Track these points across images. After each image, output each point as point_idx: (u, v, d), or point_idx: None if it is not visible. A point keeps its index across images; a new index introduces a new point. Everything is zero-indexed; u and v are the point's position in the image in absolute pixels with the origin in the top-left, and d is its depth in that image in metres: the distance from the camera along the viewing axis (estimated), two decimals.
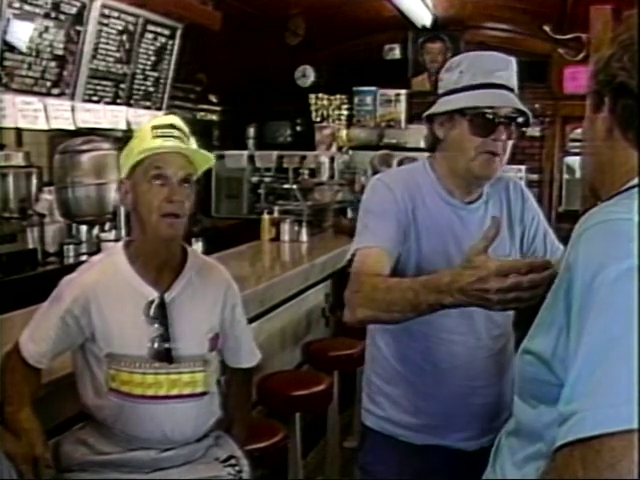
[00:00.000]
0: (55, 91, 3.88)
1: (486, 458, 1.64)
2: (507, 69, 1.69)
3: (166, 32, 4.66)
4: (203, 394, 1.84)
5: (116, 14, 4.17)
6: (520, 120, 1.66)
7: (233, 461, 1.91)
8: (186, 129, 1.80)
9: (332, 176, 6.13)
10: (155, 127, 1.75)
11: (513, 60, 1.73)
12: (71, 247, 3.68)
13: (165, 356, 1.77)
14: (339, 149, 6.64)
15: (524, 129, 1.68)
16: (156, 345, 1.76)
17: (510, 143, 1.67)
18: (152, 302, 1.78)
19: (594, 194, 1.09)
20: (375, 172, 5.31)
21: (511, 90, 1.68)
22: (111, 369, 1.76)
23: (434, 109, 1.72)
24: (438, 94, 1.74)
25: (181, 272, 1.84)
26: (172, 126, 1.76)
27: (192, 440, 1.84)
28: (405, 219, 1.69)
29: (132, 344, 1.76)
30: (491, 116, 1.62)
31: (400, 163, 5.80)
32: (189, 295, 1.83)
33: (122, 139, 3.78)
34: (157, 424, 1.78)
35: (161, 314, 1.78)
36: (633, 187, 0.95)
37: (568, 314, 0.88)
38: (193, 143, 1.81)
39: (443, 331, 1.72)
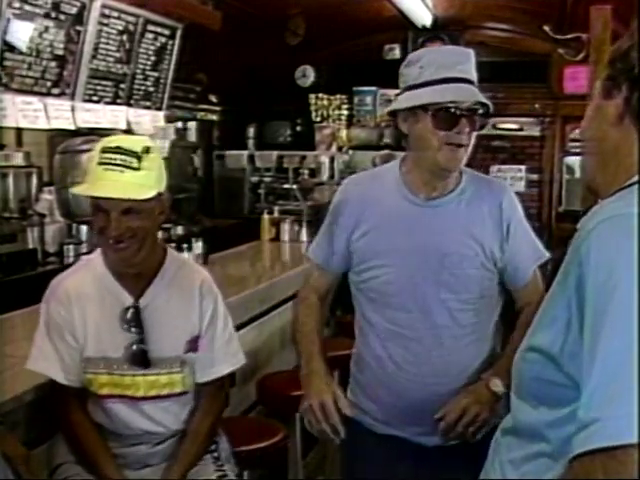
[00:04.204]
0: (55, 91, 3.88)
1: (449, 457, 1.70)
2: (467, 62, 1.72)
3: (166, 32, 4.66)
4: (182, 393, 1.87)
5: (116, 14, 4.17)
6: (481, 111, 1.70)
7: (213, 446, 1.94)
8: (138, 148, 1.71)
9: (332, 176, 6.13)
10: (104, 149, 1.70)
11: (471, 52, 1.75)
12: (71, 247, 3.68)
13: (140, 360, 1.79)
14: (339, 149, 6.64)
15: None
16: (132, 349, 1.78)
17: (474, 134, 1.70)
18: (128, 308, 1.79)
19: (592, 191, 1.08)
20: None
21: (472, 82, 1.70)
22: (88, 373, 1.78)
23: (397, 105, 1.76)
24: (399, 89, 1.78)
25: (156, 277, 1.84)
26: (119, 149, 1.69)
27: (178, 432, 1.88)
28: (348, 235, 1.81)
29: (109, 347, 1.78)
30: (453, 110, 1.65)
31: None
32: (165, 299, 1.83)
33: None
34: (140, 421, 1.82)
35: (136, 320, 1.79)
36: (634, 184, 0.95)
37: (581, 309, 0.87)
38: (149, 159, 1.72)
39: (399, 325, 1.75)
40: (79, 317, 1.78)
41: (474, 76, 1.72)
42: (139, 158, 1.70)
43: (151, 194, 1.71)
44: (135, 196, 1.68)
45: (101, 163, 1.69)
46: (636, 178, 0.96)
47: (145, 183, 1.71)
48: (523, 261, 1.78)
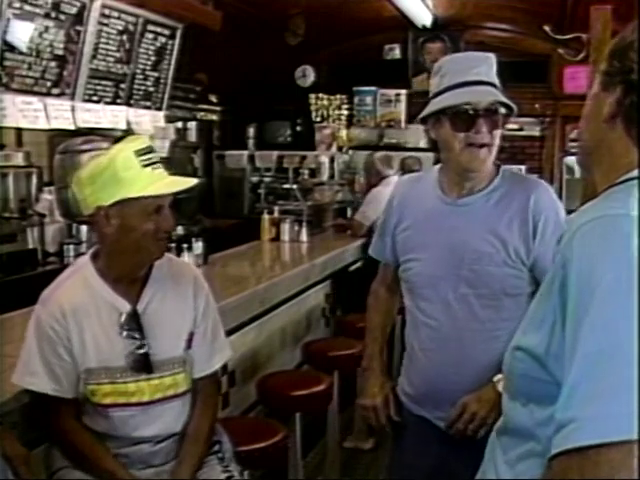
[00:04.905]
0: (55, 91, 3.88)
1: (460, 443, 1.78)
2: (483, 65, 1.79)
3: (166, 32, 4.66)
4: (185, 392, 1.86)
5: (116, 14, 4.17)
6: (503, 111, 1.77)
7: (217, 447, 1.95)
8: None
9: (332, 176, 6.13)
10: (138, 153, 1.71)
11: (491, 56, 1.83)
12: (71, 247, 3.68)
13: (144, 366, 1.78)
14: (339, 149, 6.64)
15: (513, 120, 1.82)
16: (135, 356, 1.77)
17: (498, 132, 1.77)
18: (127, 315, 1.78)
19: (585, 168, 1.07)
20: (377, 174, 5.25)
21: (490, 84, 1.77)
22: (89, 384, 1.76)
23: (422, 113, 1.85)
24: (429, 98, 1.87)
25: (149, 279, 1.84)
26: (150, 149, 1.75)
27: (181, 433, 1.87)
28: (393, 229, 1.98)
29: (110, 356, 1.76)
30: (471, 111, 1.73)
31: (402, 163, 5.80)
32: (161, 300, 1.83)
33: (122, 139, 3.77)
34: (146, 426, 1.80)
35: (136, 325, 1.78)
36: (629, 180, 0.94)
37: (563, 311, 0.87)
38: None
39: (425, 315, 1.88)
40: (76, 332, 1.74)
41: (492, 78, 1.79)
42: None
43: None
44: (191, 184, 1.80)
45: (146, 165, 1.71)
46: (627, 176, 0.95)
47: None
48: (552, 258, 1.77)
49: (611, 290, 0.81)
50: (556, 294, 0.89)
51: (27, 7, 3.51)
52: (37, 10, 3.58)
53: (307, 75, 7.36)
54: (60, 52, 3.83)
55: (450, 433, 1.81)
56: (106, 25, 4.11)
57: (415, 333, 1.92)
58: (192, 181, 1.81)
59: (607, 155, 1.00)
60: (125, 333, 1.77)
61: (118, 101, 4.42)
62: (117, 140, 1.90)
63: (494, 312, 1.80)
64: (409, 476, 1.95)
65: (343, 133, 7.00)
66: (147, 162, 1.71)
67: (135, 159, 1.70)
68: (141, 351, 1.77)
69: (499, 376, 1.71)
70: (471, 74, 1.75)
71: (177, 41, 4.77)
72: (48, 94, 3.82)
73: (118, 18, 4.20)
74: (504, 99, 1.75)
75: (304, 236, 4.72)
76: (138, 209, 1.71)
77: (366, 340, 2.10)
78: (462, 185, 1.83)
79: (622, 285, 0.80)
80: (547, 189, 1.85)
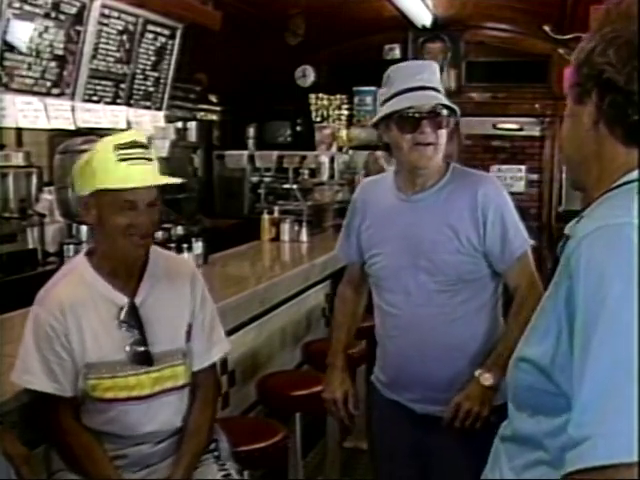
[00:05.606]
0: (55, 91, 3.87)
1: (433, 424, 1.94)
2: (425, 72, 1.95)
3: (166, 32, 4.66)
4: (184, 386, 1.87)
5: (116, 14, 4.16)
6: (445, 112, 1.91)
7: (213, 445, 1.95)
8: (145, 139, 1.80)
9: (332, 176, 6.12)
10: (118, 147, 1.72)
11: (433, 63, 2.02)
12: (71, 247, 3.66)
13: (144, 359, 1.79)
14: (339, 149, 6.63)
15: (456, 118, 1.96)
16: (134, 350, 1.77)
17: (443, 132, 1.92)
18: (125, 308, 1.78)
19: (579, 188, 1.06)
20: (379, 171, 5.24)
21: (433, 89, 1.92)
22: (90, 379, 1.76)
23: (374, 119, 2.01)
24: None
25: (145, 272, 1.84)
26: (135, 144, 1.74)
27: (178, 431, 1.87)
28: (358, 228, 2.13)
29: (110, 351, 1.77)
30: (416, 114, 1.88)
31: None
32: (158, 293, 1.84)
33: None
34: (146, 421, 1.80)
35: (134, 319, 1.79)
36: (627, 183, 0.93)
37: (570, 322, 0.86)
38: (153, 150, 1.83)
39: (389, 305, 2.04)
40: (74, 327, 1.75)
41: (435, 83, 1.94)
42: (149, 149, 1.78)
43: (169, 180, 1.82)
44: (166, 181, 1.77)
45: (123, 159, 1.71)
46: (624, 179, 0.94)
47: (159, 171, 1.79)
48: (503, 246, 1.94)
49: (619, 302, 0.80)
50: (562, 304, 0.88)
51: (27, 7, 3.51)
52: (37, 10, 3.58)
53: (307, 75, 7.35)
54: (60, 52, 3.83)
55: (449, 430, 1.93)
56: (106, 25, 4.11)
57: (382, 323, 2.08)
58: (168, 179, 1.81)
59: (596, 164, 0.99)
60: (124, 327, 1.78)
61: (118, 101, 4.42)
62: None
63: (450, 297, 1.95)
64: (388, 457, 2.11)
65: (343, 133, 6.99)
66: (125, 157, 1.71)
67: (112, 153, 1.71)
68: (141, 344, 1.78)
69: (479, 371, 1.91)
70: (414, 80, 1.89)
71: (177, 41, 4.77)
72: (48, 94, 3.82)
73: (118, 18, 4.20)
74: (446, 101, 1.90)
75: (304, 236, 4.72)
76: (110, 201, 1.72)
77: (331, 339, 2.26)
78: (414, 182, 1.99)
79: (630, 296, 0.79)
80: (493, 182, 2.03)
